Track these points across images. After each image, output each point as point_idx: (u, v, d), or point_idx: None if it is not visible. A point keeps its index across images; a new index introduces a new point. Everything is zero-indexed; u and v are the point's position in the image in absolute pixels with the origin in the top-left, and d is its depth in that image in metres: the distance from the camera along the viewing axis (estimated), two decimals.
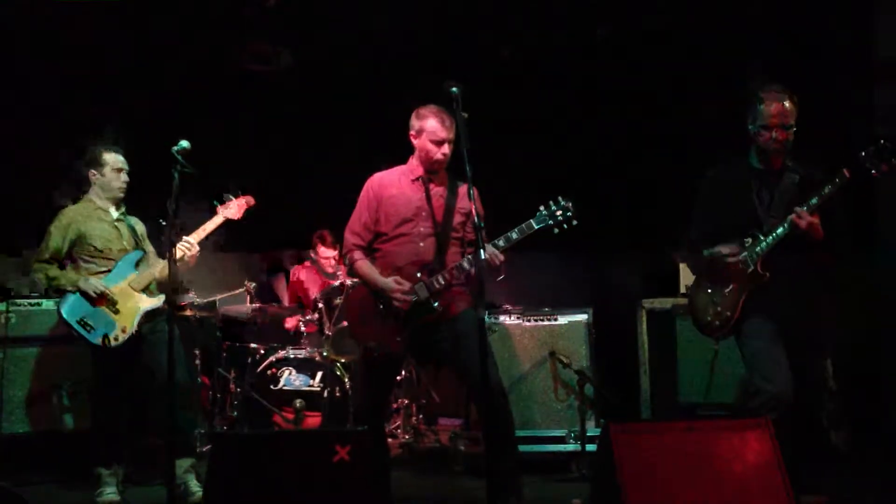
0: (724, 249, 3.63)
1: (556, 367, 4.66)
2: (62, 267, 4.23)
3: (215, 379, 5.27)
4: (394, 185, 3.79)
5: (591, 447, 4.40)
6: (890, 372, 4.79)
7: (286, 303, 5.91)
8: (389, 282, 3.65)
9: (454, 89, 3.40)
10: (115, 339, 4.09)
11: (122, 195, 4.34)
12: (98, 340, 4.08)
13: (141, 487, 4.29)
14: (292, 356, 5.02)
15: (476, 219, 3.31)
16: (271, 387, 4.92)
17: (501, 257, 3.58)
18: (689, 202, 3.83)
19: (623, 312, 5.03)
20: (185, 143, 3.78)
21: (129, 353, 4.12)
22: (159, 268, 4.27)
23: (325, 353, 5.05)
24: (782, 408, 3.36)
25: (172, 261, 3.59)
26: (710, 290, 3.71)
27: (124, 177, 4.32)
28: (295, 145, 5.95)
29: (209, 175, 4.08)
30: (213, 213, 4.43)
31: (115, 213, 4.35)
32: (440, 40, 5.62)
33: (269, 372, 4.96)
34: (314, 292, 5.46)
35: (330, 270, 5.70)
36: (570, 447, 4.57)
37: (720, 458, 3.03)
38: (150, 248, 4.47)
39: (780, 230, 3.51)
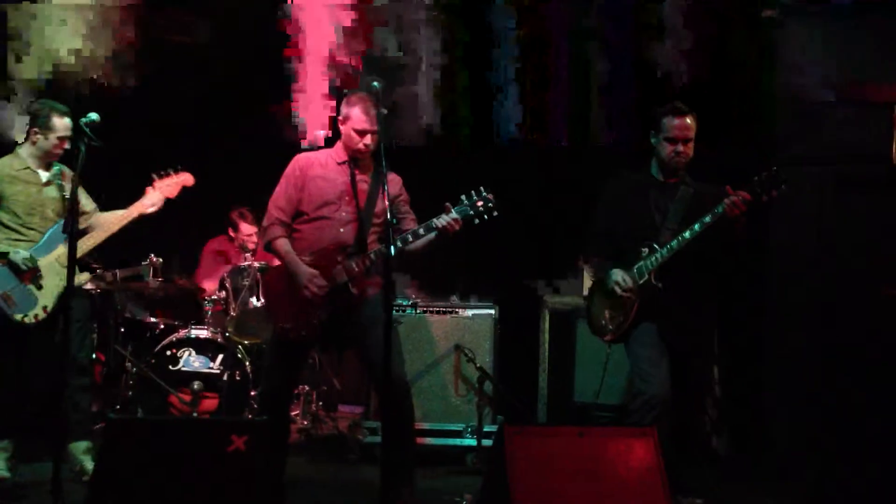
0: (618, 286, 3.76)
1: (460, 361, 4.75)
2: None
3: (111, 355, 5.13)
4: (320, 165, 3.79)
5: (487, 442, 4.52)
6: (769, 379, 5.06)
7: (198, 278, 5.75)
8: (307, 272, 3.64)
9: (375, 84, 3.42)
10: (36, 317, 3.92)
11: (56, 159, 4.10)
12: (19, 318, 3.89)
13: (30, 465, 4.13)
14: (193, 336, 4.93)
15: (388, 215, 3.34)
16: (170, 367, 4.82)
17: (458, 225, 3.57)
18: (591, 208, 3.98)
19: (527, 311, 5.15)
20: (94, 116, 3.64)
21: (31, 327, 3.95)
22: (88, 241, 4.08)
23: (227, 335, 4.99)
24: (659, 408, 3.59)
25: (74, 237, 3.45)
26: (605, 296, 3.87)
27: (66, 144, 4.05)
28: (209, 121, 5.80)
29: (120, 147, 4.00)
30: (150, 184, 4.23)
31: (44, 176, 4.09)
32: None
33: (168, 352, 4.86)
34: (223, 268, 5.38)
35: (252, 247, 5.61)
36: (467, 441, 4.67)
37: (606, 463, 3.18)
38: (84, 200, 4.19)
39: (674, 243, 3.70)
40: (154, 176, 4.28)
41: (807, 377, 4.83)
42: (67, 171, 4.18)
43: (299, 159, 3.83)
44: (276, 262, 3.92)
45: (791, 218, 4.82)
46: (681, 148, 3.77)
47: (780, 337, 5.00)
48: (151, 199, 4.21)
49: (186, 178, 4.36)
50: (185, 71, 5.58)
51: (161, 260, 5.06)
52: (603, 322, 3.88)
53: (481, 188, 3.62)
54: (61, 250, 4.00)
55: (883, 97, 4.83)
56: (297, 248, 3.73)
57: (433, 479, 4.31)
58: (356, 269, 3.65)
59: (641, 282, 3.74)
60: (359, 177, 3.79)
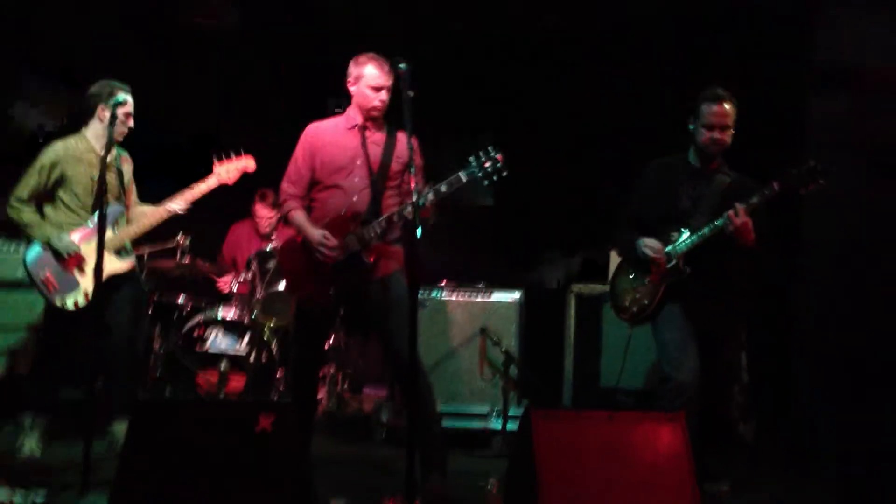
0: (648, 248, 3.75)
1: (486, 344, 4.74)
2: (40, 206, 4.04)
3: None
4: (329, 133, 3.79)
5: (512, 425, 4.51)
6: (798, 367, 5.01)
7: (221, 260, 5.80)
8: (317, 235, 3.64)
9: (402, 65, 3.37)
10: (76, 303, 3.97)
11: (121, 139, 4.12)
12: (58, 302, 3.95)
13: (61, 443, 4.18)
14: (220, 317, 4.97)
15: (415, 196, 3.30)
16: (197, 347, 4.87)
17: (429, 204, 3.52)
18: (626, 195, 3.96)
19: (553, 296, 5.13)
20: (121, 98, 3.67)
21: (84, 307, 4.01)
22: (137, 226, 4.14)
23: (254, 316, 5.01)
24: (688, 394, 3.58)
25: (103, 219, 3.47)
26: (631, 277, 3.88)
27: (131, 122, 4.09)
28: (239, 104, 5.82)
29: (151, 130, 4.03)
30: (209, 171, 4.25)
31: (107, 158, 4.12)
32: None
33: (195, 332, 4.90)
34: (248, 252, 5.40)
35: (264, 230, 5.63)
36: (493, 424, 4.67)
37: (633, 448, 3.14)
38: (133, 194, 4.29)
39: (706, 229, 3.67)
40: (214, 159, 4.28)
41: (836, 366, 4.77)
42: (126, 156, 4.25)
43: (309, 129, 3.84)
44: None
45: (824, 205, 4.74)
46: (717, 135, 3.72)
47: (810, 326, 4.94)
48: (179, 201, 4.20)
49: (248, 163, 4.34)
50: (216, 55, 5.61)
51: (189, 239, 5.09)
52: (627, 303, 3.87)
53: (489, 148, 3.51)
54: (108, 235, 4.03)
55: None
56: (313, 218, 3.74)
57: (458, 462, 4.30)
58: (368, 237, 3.62)
59: (669, 266, 3.72)
60: (370, 139, 3.76)
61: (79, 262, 4.00)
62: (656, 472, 3.12)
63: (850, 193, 4.69)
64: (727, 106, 3.72)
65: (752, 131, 3.87)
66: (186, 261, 5.18)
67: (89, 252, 3.99)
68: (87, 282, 4.01)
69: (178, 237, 5.20)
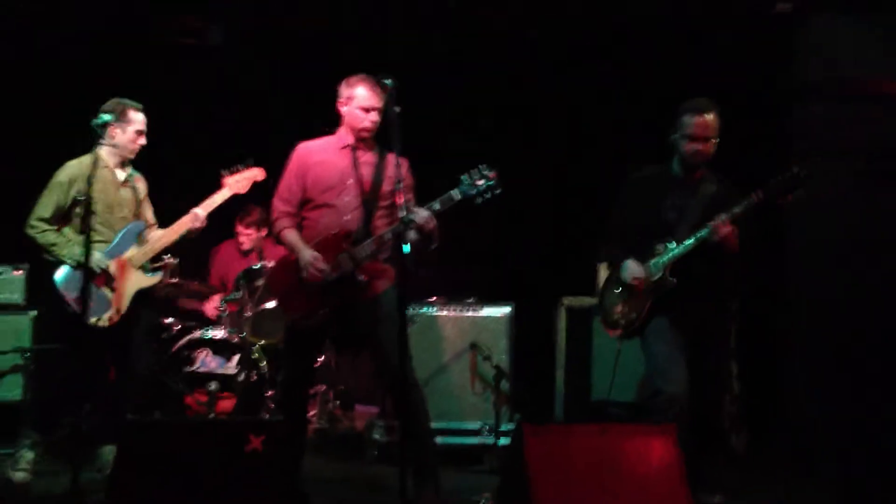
0: (631, 272, 3.76)
1: (476, 359, 4.73)
2: (59, 228, 4.02)
3: None
4: (320, 152, 3.80)
5: (504, 440, 4.49)
6: (789, 376, 5.03)
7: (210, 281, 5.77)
8: (308, 255, 3.64)
9: (388, 81, 3.39)
10: (110, 319, 3.95)
11: (133, 157, 4.13)
12: (93, 321, 3.91)
13: (51, 469, 4.09)
14: (209, 337, 4.94)
15: (404, 212, 3.32)
16: (186, 368, 4.84)
17: (433, 222, 3.54)
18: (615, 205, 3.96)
19: (543, 309, 5.13)
20: (106, 118, 3.67)
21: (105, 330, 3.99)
22: (160, 242, 4.15)
23: (243, 335, 4.99)
24: (678, 406, 3.56)
25: (88, 241, 3.47)
26: (618, 291, 3.86)
27: (143, 140, 4.11)
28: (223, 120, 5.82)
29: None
30: (219, 184, 4.28)
31: (121, 175, 4.14)
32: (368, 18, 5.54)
33: (184, 353, 4.87)
34: (235, 270, 5.38)
35: (245, 248, 5.61)
36: (484, 440, 4.65)
37: (626, 461, 3.15)
38: (149, 212, 4.30)
39: (690, 240, 3.66)
40: (223, 172, 4.30)
41: (827, 374, 4.79)
42: (139, 175, 4.26)
43: (299, 148, 3.85)
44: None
45: (810, 212, 4.78)
46: (699, 146, 3.71)
47: (800, 332, 4.96)
48: (191, 218, 4.21)
49: (257, 173, 4.36)
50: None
51: (176, 261, 5.06)
52: (615, 317, 3.86)
53: (482, 166, 3.53)
54: (133, 252, 4.07)
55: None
56: (305, 236, 3.74)
57: (451, 478, 4.28)
58: (361, 256, 3.63)
59: (656, 278, 3.72)
60: (361, 159, 3.77)
61: (107, 279, 3.99)
62: (649, 485, 3.13)
63: (837, 198, 4.74)
64: (710, 116, 3.71)
65: (739, 138, 3.89)
66: (175, 281, 5.15)
67: (116, 267, 4.02)
68: (117, 298, 4.02)
69: (166, 258, 5.17)
